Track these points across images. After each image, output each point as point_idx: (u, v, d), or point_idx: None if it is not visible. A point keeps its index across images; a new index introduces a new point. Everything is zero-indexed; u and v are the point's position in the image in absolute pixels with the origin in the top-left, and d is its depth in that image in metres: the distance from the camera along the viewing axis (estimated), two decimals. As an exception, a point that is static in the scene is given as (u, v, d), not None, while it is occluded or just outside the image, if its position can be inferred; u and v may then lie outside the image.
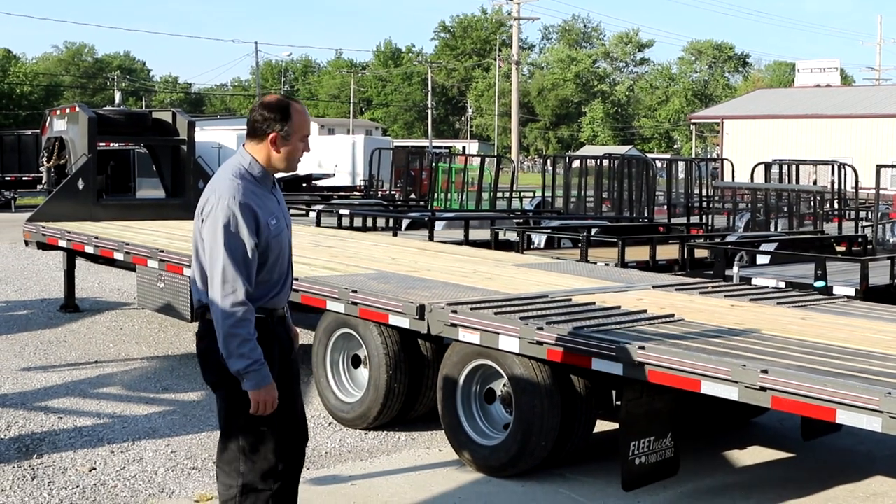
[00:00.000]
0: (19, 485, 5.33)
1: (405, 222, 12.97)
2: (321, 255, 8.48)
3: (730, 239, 10.50)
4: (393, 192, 24.16)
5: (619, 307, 5.90)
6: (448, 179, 21.04)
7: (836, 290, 7.57)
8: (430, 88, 78.28)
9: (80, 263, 11.30)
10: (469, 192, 20.55)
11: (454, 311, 5.69)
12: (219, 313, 3.64)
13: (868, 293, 7.47)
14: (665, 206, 18.29)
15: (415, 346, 6.29)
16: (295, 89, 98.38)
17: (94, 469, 5.62)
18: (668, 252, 9.88)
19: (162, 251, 8.30)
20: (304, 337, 7.12)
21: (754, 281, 8.01)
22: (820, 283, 7.60)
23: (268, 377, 3.67)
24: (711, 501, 5.38)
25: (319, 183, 29.19)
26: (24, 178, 30.82)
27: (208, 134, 30.65)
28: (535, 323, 5.27)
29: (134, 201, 16.01)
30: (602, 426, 5.97)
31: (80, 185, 11.01)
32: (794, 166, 18.69)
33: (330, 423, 6.65)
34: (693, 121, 56.11)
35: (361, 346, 6.47)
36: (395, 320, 6.05)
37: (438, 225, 12.18)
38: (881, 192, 12.87)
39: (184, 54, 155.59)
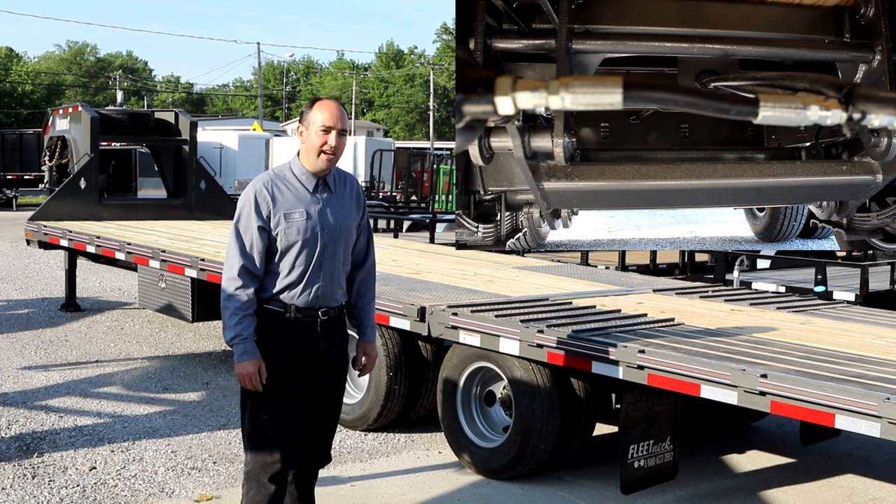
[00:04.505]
0: (20, 483, 5.34)
1: (406, 224, 12.99)
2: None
3: (730, 243, 10.50)
4: (394, 194, 24.14)
5: (619, 311, 5.92)
6: (449, 181, 21.03)
7: (836, 295, 7.58)
8: (432, 90, 78.26)
9: (82, 263, 11.32)
10: (470, 195, 20.51)
11: (455, 314, 5.70)
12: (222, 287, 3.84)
13: (868, 298, 7.49)
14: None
15: (415, 347, 6.30)
16: (297, 90, 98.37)
17: (95, 468, 5.63)
18: (668, 256, 9.89)
19: (163, 251, 8.32)
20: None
21: (754, 285, 8.03)
22: (820, 288, 7.61)
23: (251, 353, 3.76)
24: (710, 505, 5.40)
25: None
26: (25, 177, 30.91)
27: (210, 134, 30.66)
28: (536, 326, 5.28)
29: (135, 201, 16.04)
30: (601, 429, 5.99)
31: (83, 184, 11.04)
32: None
33: (330, 425, 6.65)
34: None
35: (362, 347, 6.47)
36: (395, 322, 6.07)
37: (439, 227, 12.19)
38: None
39: (186, 54, 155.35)
